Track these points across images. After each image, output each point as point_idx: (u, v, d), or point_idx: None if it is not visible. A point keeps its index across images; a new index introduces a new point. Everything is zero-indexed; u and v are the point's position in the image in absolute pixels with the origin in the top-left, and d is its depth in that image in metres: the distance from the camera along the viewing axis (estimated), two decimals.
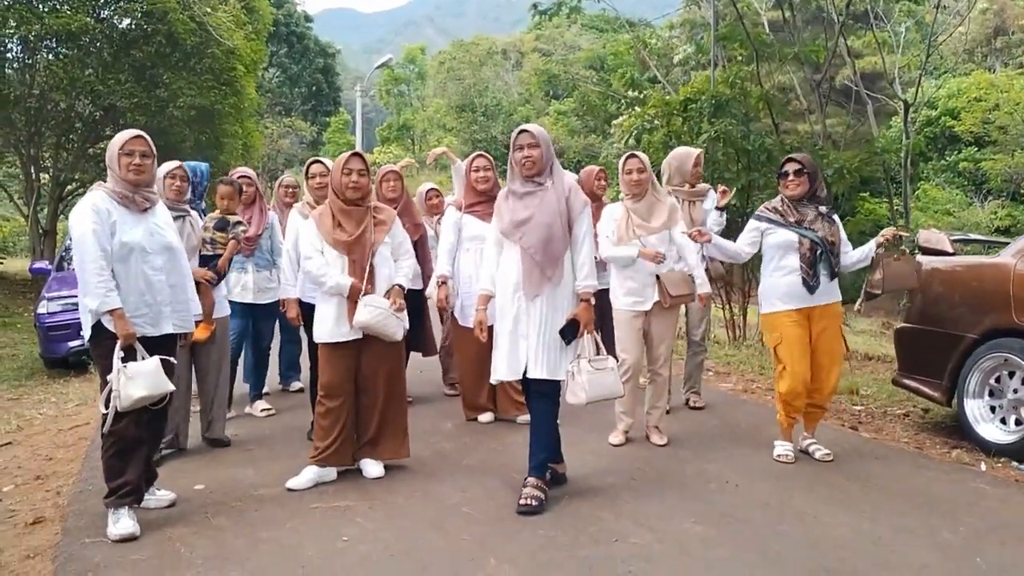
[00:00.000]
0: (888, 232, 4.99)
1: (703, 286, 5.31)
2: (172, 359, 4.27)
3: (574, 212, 4.34)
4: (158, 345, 4.23)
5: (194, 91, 16.85)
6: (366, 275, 4.68)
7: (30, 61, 17.67)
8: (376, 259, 4.73)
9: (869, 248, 5.00)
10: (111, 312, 4.00)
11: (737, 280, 13.78)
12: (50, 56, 17.58)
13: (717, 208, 6.04)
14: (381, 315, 4.61)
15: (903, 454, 5.34)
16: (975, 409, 5.37)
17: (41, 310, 9.55)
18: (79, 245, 4.00)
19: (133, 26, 17.39)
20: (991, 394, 5.35)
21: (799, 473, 4.86)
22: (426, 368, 7.42)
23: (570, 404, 4.34)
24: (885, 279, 4.95)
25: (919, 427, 5.95)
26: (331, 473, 4.76)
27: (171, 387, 4.17)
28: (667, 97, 13.86)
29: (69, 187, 19.34)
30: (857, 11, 22.34)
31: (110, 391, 4.00)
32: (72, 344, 9.29)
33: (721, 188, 6.00)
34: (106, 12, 17.43)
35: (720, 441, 5.55)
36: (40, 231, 18.38)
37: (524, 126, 4.48)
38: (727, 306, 13.07)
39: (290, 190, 7.19)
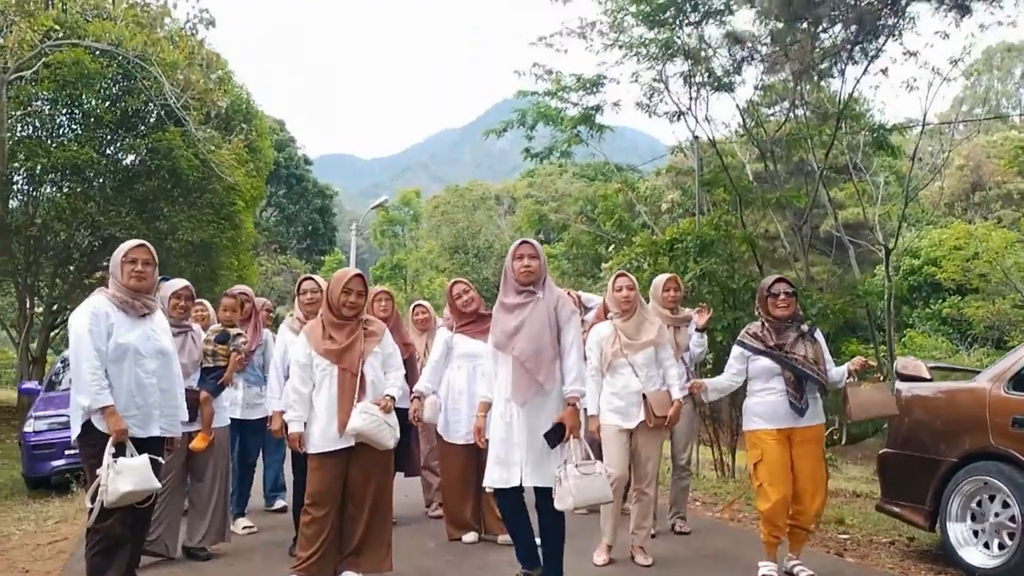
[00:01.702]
0: (856, 361, 5.11)
1: (679, 397, 5.39)
2: (160, 459, 4.32)
3: (563, 321, 4.52)
4: (145, 447, 4.32)
5: (193, 224, 17.28)
6: (357, 384, 4.77)
7: (34, 193, 18.19)
8: (366, 368, 4.81)
9: (842, 372, 5.11)
10: (102, 410, 4.09)
11: (725, 418, 13.84)
12: (54, 189, 18.12)
13: (697, 329, 6.17)
14: (375, 422, 4.67)
15: (888, 574, 5.31)
16: (958, 533, 5.38)
17: (27, 428, 9.51)
18: (75, 344, 4.15)
19: (137, 161, 18.00)
20: (973, 518, 5.37)
21: None
22: (411, 492, 7.39)
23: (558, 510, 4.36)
24: (852, 408, 5.05)
25: (904, 554, 5.92)
26: None
27: (158, 485, 4.23)
28: (654, 237, 14.30)
29: (62, 316, 19.50)
30: (838, 164, 23.28)
31: (97, 486, 4.03)
32: (55, 464, 9.22)
33: (699, 308, 6.15)
34: (111, 149, 18.07)
35: (706, 562, 5.52)
36: (30, 358, 18.41)
37: (524, 238, 4.73)
38: (715, 444, 13.07)
39: (265, 311, 7.27)
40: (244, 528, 6.41)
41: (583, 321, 5.80)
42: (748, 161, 19.33)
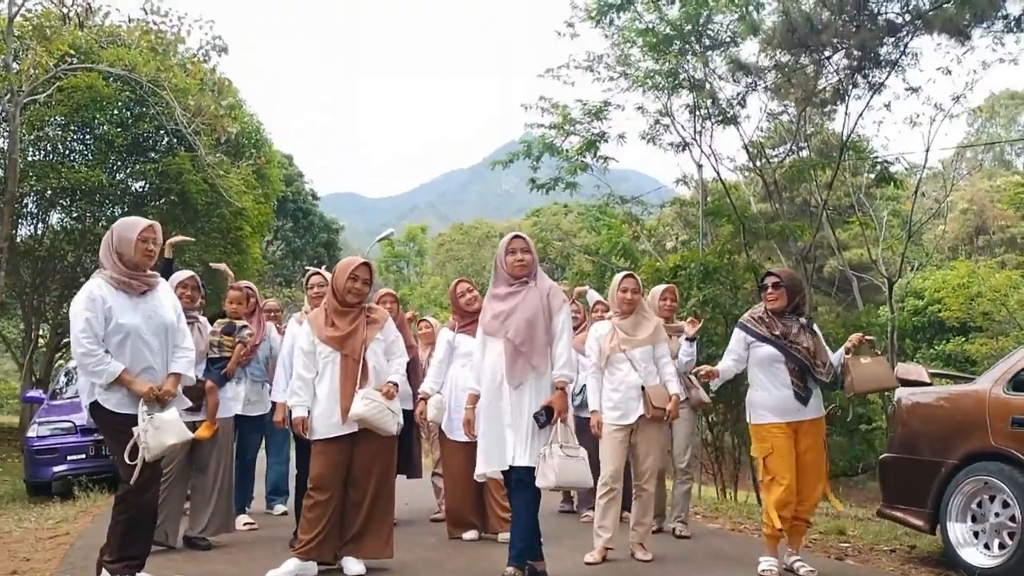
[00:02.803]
0: (855, 337, 5.17)
1: (676, 392, 5.45)
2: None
3: (554, 308, 4.60)
4: None
5: (200, 248, 17.39)
6: (359, 371, 4.82)
7: (44, 216, 18.36)
8: (368, 355, 4.87)
9: (839, 355, 5.17)
10: (119, 379, 4.15)
11: (727, 446, 13.83)
12: (64, 213, 18.30)
13: (687, 339, 6.19)
14: (377, 408, 4.71)
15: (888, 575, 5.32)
16: (958, 534, 5.37)
17: (31, 433, 9.56)
18: (73, 333, 4.21)
19: (147, 187, 18.18)
20: (974, 519, 5.37)
21: None
22: (411, 500, 7.40)
23: (540, 487, 4.42)
24: (855, 381, 5.09)
25: (905, 559, 5.91)
26: (312, 568, 4.72)
27: (191, 434, 4.50)
28: (657, 264, 14.39)
29: (67, 339, 19.54)
30: (842, 205, 23.48)
31: (134, 446, 4.10)
32: (57, 469, 9.25)
33: (689, 318, 6.22)
34: (121, 174, 18.26)
35: (706, 561, 5.52)
36: (34, 379, 18.45)
37: (516, 232, 4.81)
38: (719, 475, 13.06)
39: (272, 313, 7.34)
40: (245, 524, 6.42)
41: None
42: (753, 201, 19.50)
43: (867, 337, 5.21)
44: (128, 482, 4.15)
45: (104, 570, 4.24)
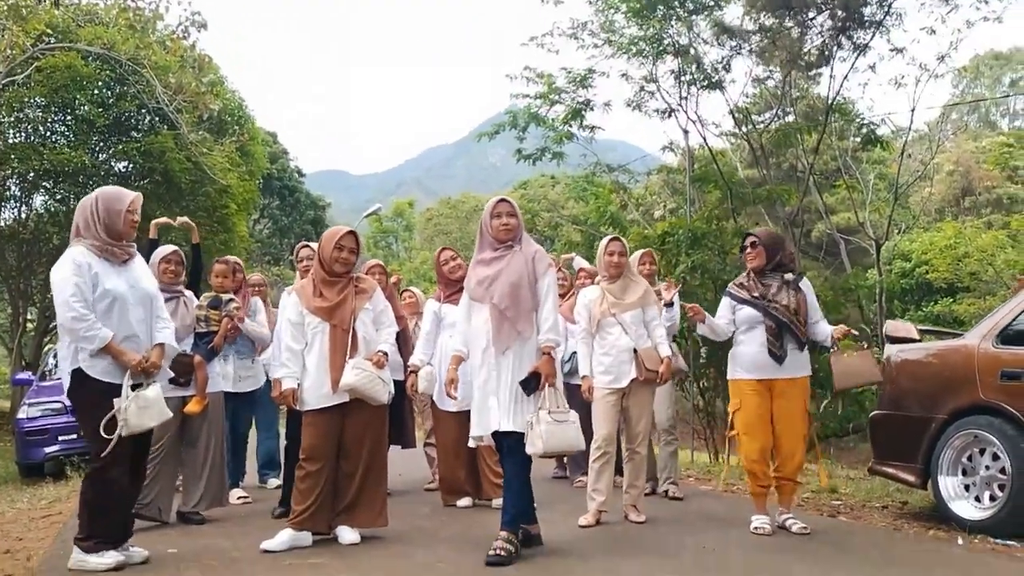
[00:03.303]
0: (839, 330, 5.15)
1: (667, 354, 5.45)
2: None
3: (539, 272, 4.57)
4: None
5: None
6: (348, 341, 4.80)
7: (28, 199, 18.21)
8: (357, 324, 4.85)
9: (827, 333, 5.15)
10: (107, 347, 4.11)
11: (719, 412, 13.87)
12: (47, 196, 18.15)
13: (665, 304, 6.16)
14: (367, 377, 4.70)
15: (881, 530, 5.37)
16: (949, 487, 5.40)
17: (21, 415, 9.53)
18: (60, 296, 4.13)
19: (130, 167, 18.02)
20: (964, 472, 5.40)
21: (776, 542, 4.88)
22: (405, 471, 7.41)
23: (530, 454, 4.42)
24: (836, 377, 5.14)
25: (897, 515, 5.95)
26: (306, 538, 4.72)
27: (171, 413, 4.41)
28: (646, 231, 14.36)
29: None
30: (828, 169, 23.47)
31: (112, 419, 4.07)
32: (49, 449, 9.22)
33: (667, 282, 6.19)
34: (104, 155, 18.08)
35: (699, 521, 5.54)
36: (23, 363, 18.36)
37: (501, 196, 4.78)
38: (710, 440, 13.11)
39: (256, 288, 7.27)
40: (239, 498, 6.43)
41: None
42: (740, 167, 19.44)
43: (851, 331, 5.21)
44: (98, 456, 4.12)
45: (76, 548, 4.23)
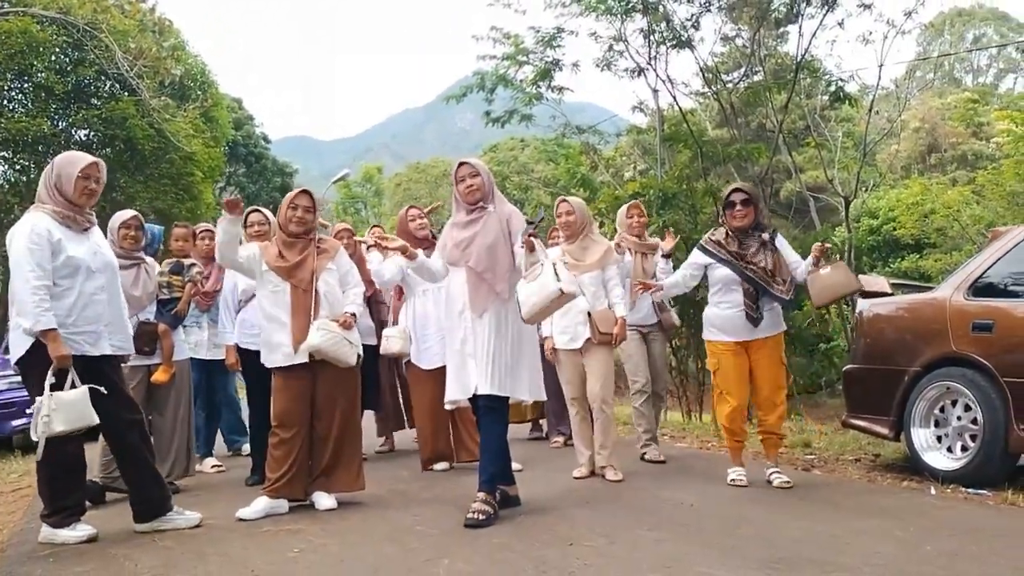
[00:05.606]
0: (816, 249, 5.09)
1: (622, 315, 5.43)
2: (101, 389, 4.12)
3: (514, 232, 4.50)
4: (96, 365, 4.17)
5: (151, 195, 17.03)
6: (312, 301, 4.72)
7: None
8: (319, 284, 4.77)
9: (804, 270, 5.14)
10: (44, 334, 3.94)
11: (693, 369, 13.96)
12: (6, 166, 17.79)
13: (664, 256, 6.17)
14: (333, 339, 4.63)
15: (856, 482, 5.43)
16: (922, 439, 5.45)
17: None
18: (16, 265, 3.97)
19: (92, 134, 17.69)
20: (936, 424, 5.46)
21: (754, 493, 4.95)
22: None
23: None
24: (814, 295, 5.14)
25: (871, 467, 6.01)
26: (283, 505, 4.68)
27: (95, 419, 4.04)
28: (617, 191, 14.31)
29: None
30: (797, 128, 23.53)
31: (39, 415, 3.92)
32: (16, 423, 9.04)
33: (668, 233, 6.17)
34: (64, 123, 17.70)
35: (677, 477, 5.57)
36: None
37: (463, 158, 4.69)
38: (683, 397, 13.19)
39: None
40: (213, 467, 6.38)
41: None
42: (710, 127, 19.43)
43: (826, 245, 5.18)
44: (36, 458, 4.01)
45: (44, 525, 4.16)
